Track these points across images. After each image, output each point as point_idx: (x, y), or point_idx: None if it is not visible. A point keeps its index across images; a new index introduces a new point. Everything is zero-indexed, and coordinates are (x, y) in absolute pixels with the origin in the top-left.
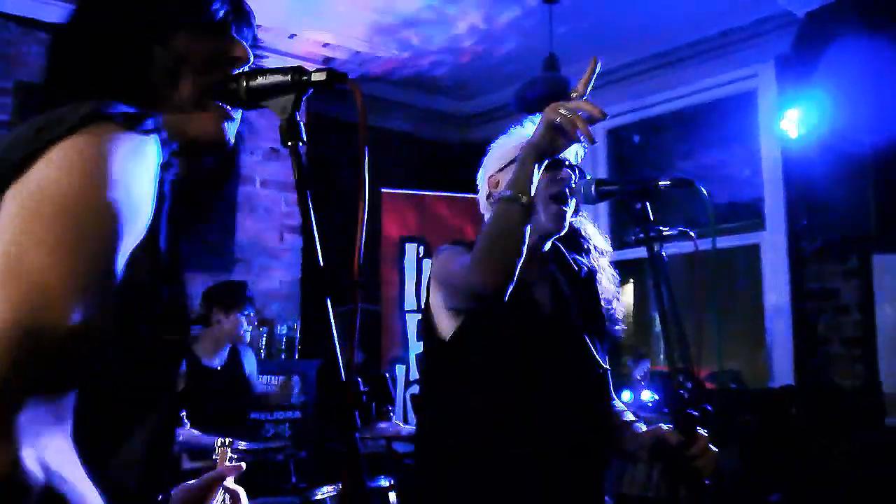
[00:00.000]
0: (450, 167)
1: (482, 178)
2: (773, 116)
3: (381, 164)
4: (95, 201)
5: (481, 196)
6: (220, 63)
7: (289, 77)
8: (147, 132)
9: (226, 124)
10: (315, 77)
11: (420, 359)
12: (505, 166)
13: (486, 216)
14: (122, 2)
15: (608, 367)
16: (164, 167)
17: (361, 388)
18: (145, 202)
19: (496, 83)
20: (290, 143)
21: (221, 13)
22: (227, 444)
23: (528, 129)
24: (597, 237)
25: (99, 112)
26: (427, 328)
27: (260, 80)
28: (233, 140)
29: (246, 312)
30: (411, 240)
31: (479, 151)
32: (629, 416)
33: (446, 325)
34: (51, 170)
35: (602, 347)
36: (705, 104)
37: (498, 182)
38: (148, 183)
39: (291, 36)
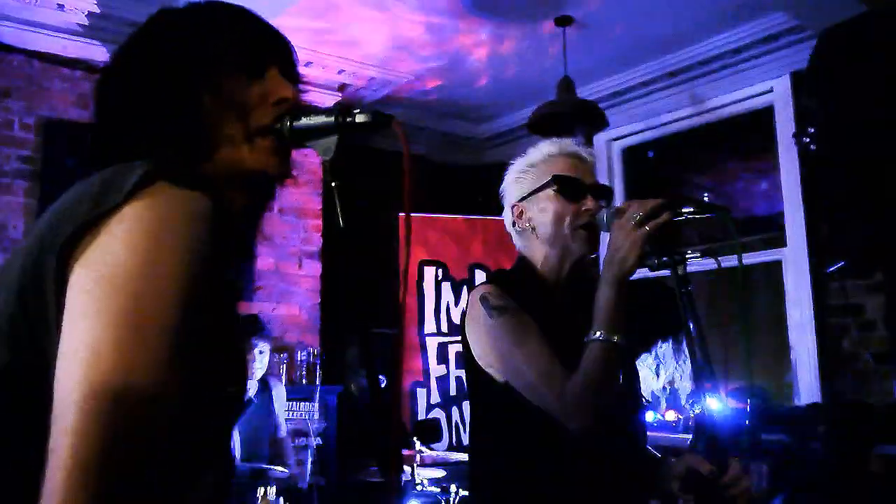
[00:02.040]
0: (465, 190)
1: (506, 203)
2: (790, 132)
3: (398, 189)
4: (162, 271)
5: (507, 223)
6: (269, 105)
7: (333, 119)
8: (197, 187)
9: (282, 155)
10: (360, 119)
11: (472, 408)
12: (529, 195)
13: (517, 244)
14: (171, 48)
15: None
16: (218, 216)
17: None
18: (209, 258)
19: (510, 106)
20: (334, 184)
21: (268, 56)
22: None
23: (544, 150)
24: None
25: (151, 175)
26: (476, 379)
27: (304, 121)
28: (291, 171)
29: (255, 347)
30: (429, 263)
31: (494, 174)
32: (657, 454)
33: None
34: (115, 244)
35: (630, 377)
36: (721, 120)
37: (522, 212)
38: (210, 237)
39: (308, 63)
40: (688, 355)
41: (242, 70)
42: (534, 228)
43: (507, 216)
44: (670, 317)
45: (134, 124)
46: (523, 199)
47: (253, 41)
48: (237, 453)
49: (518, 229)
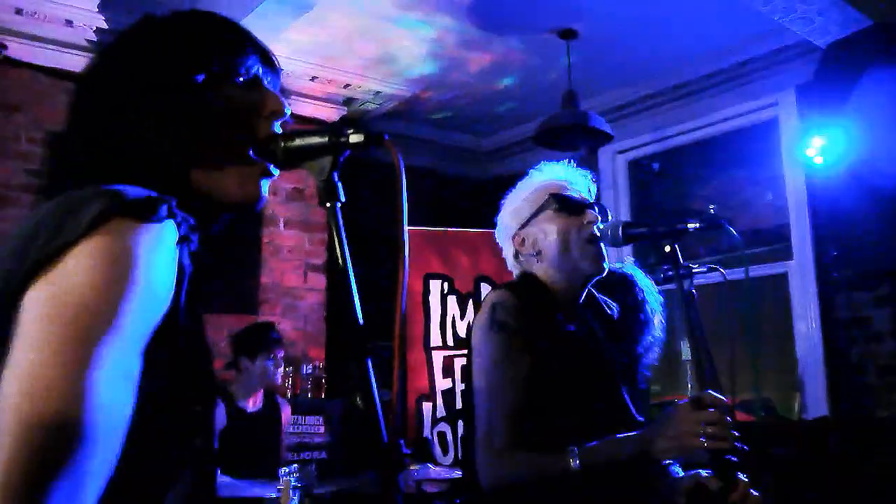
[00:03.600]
0: (470, 202)
1: (504, 238)
2: (795, 145)
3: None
4: (104, 300)
5: (509, 258)
6: (257, 117)
7: (326, 139)
8: (161, 220)
9: (262, 181)
10: (353, 139)
11: (464, 409)
12: (526, 222)
13: (514, 272)
14: (156, 57)
15: (642, 417)
16: (182, 241)
17: (404, 451)
18: (165, 289)
19: (516, 119)
20: (328, 204)
21: (255, 67)
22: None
23: (535, 178)
24: (651, 291)
25: (111, 210)
26: (471, 383)
27: (298, 142)
28: (266, 197)
29: (272, 356)
30: (435, 276)
31: (498, 186)
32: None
33: None
34: (64, 277)
35: (635, 395)
36: (727, 133)
37: (524, 240)
38: (166, 269)
39: (313, 79)
40: (693, 367)
41: (233, 81)
42: (539, 252)
43: (507, 251)
44: (635, 311)
45: (113, 134)
46: (523, 226)
47: (244, 51)
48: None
49: (522, 259)
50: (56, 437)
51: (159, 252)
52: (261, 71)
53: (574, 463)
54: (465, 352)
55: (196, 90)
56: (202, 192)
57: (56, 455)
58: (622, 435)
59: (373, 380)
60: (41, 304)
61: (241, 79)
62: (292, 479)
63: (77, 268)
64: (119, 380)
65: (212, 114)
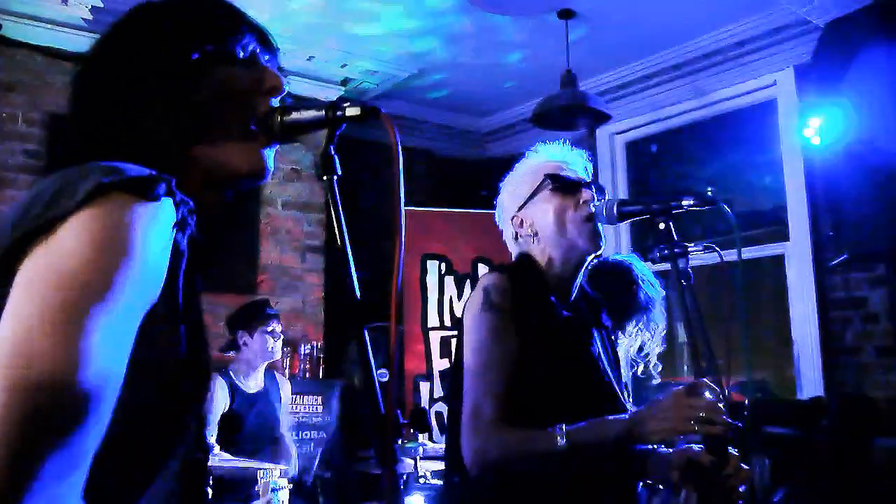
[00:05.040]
0: (468, 183)
1: (503, 220)
2: (793, 125)
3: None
4: (95, 270)
5: (508, 240)
6: (255, 94)
7: (323, 112)
8: (157, 198)
9: (266, 152)
10: (349, 112)
11: (450, 387)
12: (524, 203)
13: (514, 253)
14: (154, 39)
15: (631, 405)
16: (181, 225)
17: (401, 420)
18: (158, 268)
19: (513, 99)
20: (325, 178)
21: (251, 45)
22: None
23: (531, 159)
24: (650, 279)
25: (108, 184)
26: (459, 361)
27: (294, 116)
28: (272, 169)
29: (269, 328)
30: (433, 257)
31: (496, 167)
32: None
33: None
34: (56, 248)
35: (621, 383)
36: (724, 113)
37: (522, 221)
38: (160, 248)
39: (310, 58)
40: (689, 349)
41: (231, 59)
42: (536, 233)
43: (507, 232)
44: (633, 298)
45: (113, 115)
46: (521, 207)
47: (240, 30)
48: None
49: (521, 240)
50: (49, 403)
51: (155, 229)
52: (258, 49)
53: (561, 441)
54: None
55: (194, 70)
56: (206, 169)
57: (49, 421)
58: (611, 417)
59: (370, 352)
60: (34, 273)
61: (239, 57)
62: (272, 482)
63: (71, 238)
64: (111, 349)
65: (210, 92)
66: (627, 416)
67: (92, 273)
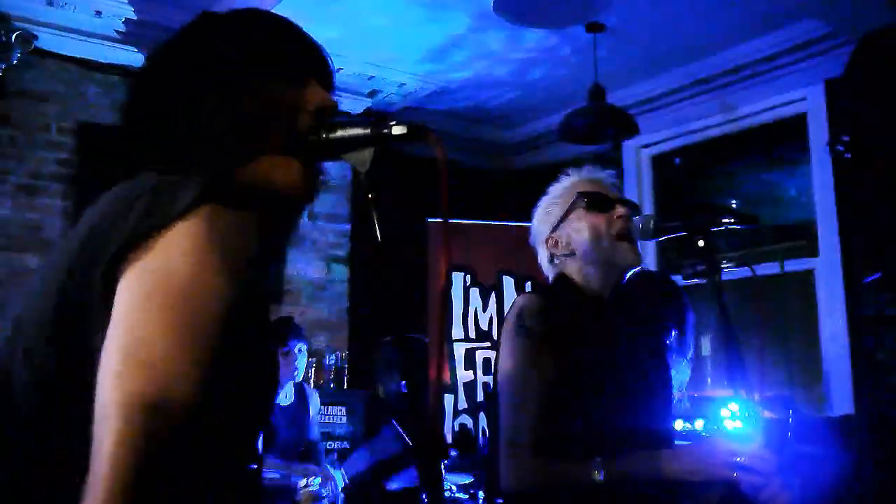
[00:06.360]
0: (494, 196)
1: (538, 243)
2: (823, 140)
3: (427, 195)
4: (210, 287)
5: (544, 263)
6: (301, 111)
7: (369, 130)
8: (245, 205)
9: (309, 174)
10: (396, 131)
11: (487, 410)
12: (558, 223)
13: (550, 276)
14: (209, 54)
15: (671, 418)
16: (261, 232)
17: (448, 441)
18: (251, 274)
19: (540, 112)
20: (370, 196)
21: (308, 65)
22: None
23: (563, 182)
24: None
25: (206, 195)
26: (496, 388)
27: (340, 133)
28: (318, 193)
29: (290, 349)
30: (458, 269)
31: (523, 180)
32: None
33: None
34: (167, 258)
35: (664, 397)
36: (754, 128)
37: (557, 242)
38: (252, 254)
39: (338, 69)
40: (723, 362)
41: (283, 77)
42: (573, 252)
43: (542, 256)
44: (677, 309)
45: (170, 128)
46: (555, 228)
47: (294, 50)
48: (274, 456)
49: (557, 261)
50: (176, 421)
51: (247, 236)
52: (311, 68)
53: (598, 475)
54: (488, 344)
55: (249, 86)
56: (247, 183)
57: (173, 439)
58: (645, 453)
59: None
60: (143, 284)
61: (292, 76)
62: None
63: (177, 249)
64: (220, 366)
65: (258, 107)
66: (667, 453)
67: (204, 289)
